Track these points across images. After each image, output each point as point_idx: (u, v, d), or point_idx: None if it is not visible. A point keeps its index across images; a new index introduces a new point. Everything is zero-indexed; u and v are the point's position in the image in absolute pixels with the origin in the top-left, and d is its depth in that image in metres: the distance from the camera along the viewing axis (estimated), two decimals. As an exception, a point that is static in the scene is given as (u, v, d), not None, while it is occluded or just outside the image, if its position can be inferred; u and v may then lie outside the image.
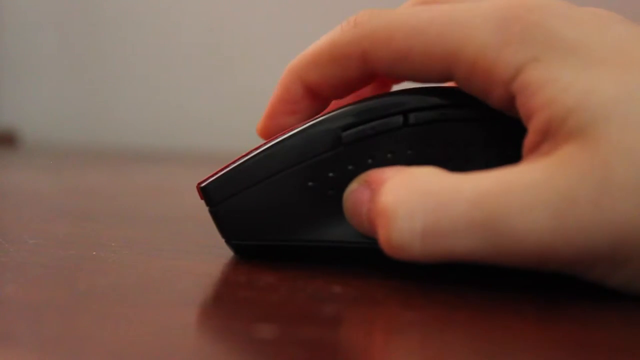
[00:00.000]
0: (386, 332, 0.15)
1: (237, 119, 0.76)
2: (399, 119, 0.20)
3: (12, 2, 0.88)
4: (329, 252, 0.20)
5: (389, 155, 0.20)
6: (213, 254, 0.22)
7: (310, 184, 0.20)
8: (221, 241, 0.21)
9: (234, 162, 0.20)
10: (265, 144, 0.20)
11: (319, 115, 0.20)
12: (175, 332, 0.15)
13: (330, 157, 0.20)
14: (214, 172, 0.21)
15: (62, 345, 0.13)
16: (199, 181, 0.21)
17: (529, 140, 0.18)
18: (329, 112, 0.20)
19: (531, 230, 0.16)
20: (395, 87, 0.24)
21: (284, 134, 0.20)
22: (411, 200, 0.17)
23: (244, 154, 0.21)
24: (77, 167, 0.57)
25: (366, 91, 0.24)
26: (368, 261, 0.20)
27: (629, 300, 0.18)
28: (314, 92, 0.22)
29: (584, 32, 0.18)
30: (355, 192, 0.19)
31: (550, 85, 0.17)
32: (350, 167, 0.20)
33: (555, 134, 0.17)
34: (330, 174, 0.20)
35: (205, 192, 0.21)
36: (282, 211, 0.20)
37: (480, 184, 0.17)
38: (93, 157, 0.66)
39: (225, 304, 0.17)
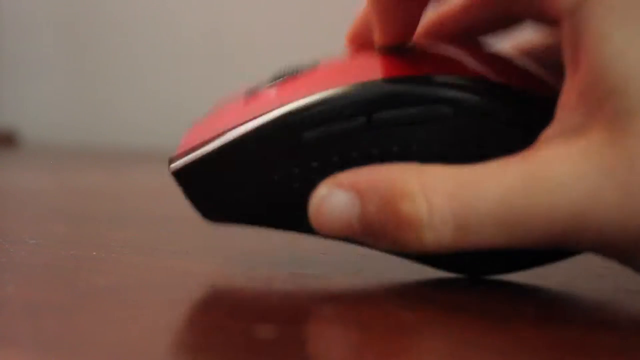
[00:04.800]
0: (386, 333, 0.15)
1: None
2: (363, 119, 0.19)
3: (12, 2, 0.88)
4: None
5: (353, 154, 0.19)
6: (213, 254, 0.22)
7: (275, 177, 0.20)
8: (221, 241, 0.21)
9: (200, 144, 0.20)
10: (231, 129, 0.20)
11: (280, 107, 0.19)
12: (175, 332, 0.15)
13: (293, 155, 0.19)
14: (186, 147, 0.21)
15: (62, 345, 0.13)
16: (171, 157, 0.21)
17: (567, 95, 0.17)
18: (290, 106, 0.19)
19: (555, 230, 0.16)
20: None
21: (250, 121, 0.19)
22: (439, 204, 0.17)
23: (210, 128, 0.20)
24: (77, 167, 0.57)
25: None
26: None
27: (629, 301, 0.18)
28: None
29: None
30: (329, 199, 0.18)
31: (603, 47, 0.16)
32: (314, 164, 0.19)
33: (591, 107, 0.16)
34: (295, 170, 0.19)
35: (177, 176, 0.20)
36: (252, 199, 0.20)
37: (503, 182, 0.16)
38: (93, 157, 0.66)
39: (225, 304, 0.17)
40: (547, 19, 0.18)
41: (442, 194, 0.17)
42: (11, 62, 0.89)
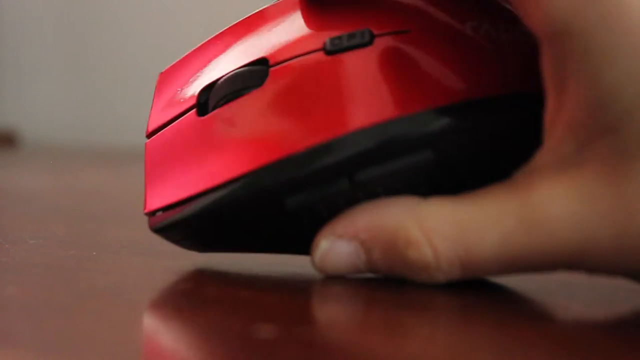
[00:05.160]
0: (386, 333, 0.15)
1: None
2: (345, 181, 0.18)
3: (12, 2, 0.88)
4: None
5: (340, 201, 0.18)
6: (213, 254, 0.22)
7: (262, 226, 0.19)
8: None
9: (175, 199, 0.19)
10: (203, 191, 0.19)
11: (263, 165, 0.18)
12: (175, 332, 0.15)
13: (278, 216, 0.18)
14: (157, 194, 0.20)
15: (62, 345, 0.13)
16: (145, 210, 0.20)
17: (555, 122, 0.17)
18: (260, 168, 0.18)
19: (555, 264, 0.17)
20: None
21: (219, 186, 0.18)
22: (444, 250, 0.17)
23: (175, 167, 0.20)
24: (77, 167, 0.57)
25: None
26: None
27: (629, 301, 0.18)
28: None
29: None
30: (332, 251, 0.18)
31: (594, 85, 0.15)
32: (304, 221, 0.19)
33: (583, 141, 0.16)
34: (282, 223, 0.19)
35: (161, 234, 0.20)
36: (240, 242, 0.20)
37: (503, 225, 0.17)
38: (93, 157, 0.66)
39: (225, 304, 0.17)
40: (531, 29, 0.17)
41: (445, 240, 0.17)
42: (11, 62, 0.89)
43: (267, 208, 0.18)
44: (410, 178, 0.18)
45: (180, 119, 0.20)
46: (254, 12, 0.21)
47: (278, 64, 0.19)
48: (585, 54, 0.15)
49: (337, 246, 0.18)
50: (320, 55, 0.18)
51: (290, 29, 0.19)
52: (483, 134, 0.18)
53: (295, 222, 0.19)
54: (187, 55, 0.21)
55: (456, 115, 0.18)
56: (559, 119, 0.16)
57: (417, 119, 0.18)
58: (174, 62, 0.21)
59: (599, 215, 0.16)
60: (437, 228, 0.17)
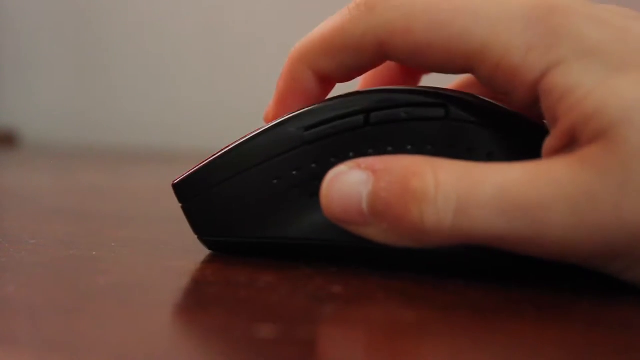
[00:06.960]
0: (386, 333, 0.15)
1: (237, 119, 0.76)
2: (360, 118, 0.20)
3: (12, 2, 0.88)
4: (299, 250, 0.21)
5: (351, 154, 0.20)
6: (213, 254, 0.22)
7: (275, 181, 0.20)
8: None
9: (205, 160, 0.21)
10: (234, 142, 0.21)
11: (284, 115, 0.21)
12: (176, 331, 0.15)
13: (294, 156, 0.20)
14: (189, 170, 0.22)
15: (62, 345, 0.13)
16: (174, 179, 0.22)
17: (551, 143, 0.18)
18: (293, 112, 0.21)
19: (552, 225, 0.17)
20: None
21: (251, 133, 0.21)
22: (446, 183, 0.17)
23: (215, 152, 0.21)
24: (77, 167, 0.57)
25: (392, 80, 0.24)
26: (336, 259, 0.21)
27: (629, 301, 0.18)
28: (324, 79, 0.21)
29: (606, 33, 0.18)
30: (344, 175, 0.19)
31: (573, 92, 0.17)
32: (313, 166, 0.20)
33: (578, 139, 0.17)
34: (294, 172, 0.20)
35: (177, 189, 0.22)
36: (249, 208, 0.21)
37: (507, 174, 0.17)
38: (93, 157, 0.66)
39: (225, 304, 0.17)
40: (522, 93, 0.19)
41: (449, 173, 0.18)
42: (12, 61, 0.89)
43: (287, 141, 0.20)
44: (420, 135, 0.20)
45: None
46: None
47: None
48: (562, 78, 0.18)
49: (351, 172, 0.19)
50: None
51: None
52: (490, 121, 0.20)
53: (306, 177, 0.20)
54: None
55: (464, 93, 0.20)
56: (558, 134, 0.18)
57: (434, 88, 0.20)
58: None
59: (597, 173, 0.17)
60: (445, 166, 0.18)
